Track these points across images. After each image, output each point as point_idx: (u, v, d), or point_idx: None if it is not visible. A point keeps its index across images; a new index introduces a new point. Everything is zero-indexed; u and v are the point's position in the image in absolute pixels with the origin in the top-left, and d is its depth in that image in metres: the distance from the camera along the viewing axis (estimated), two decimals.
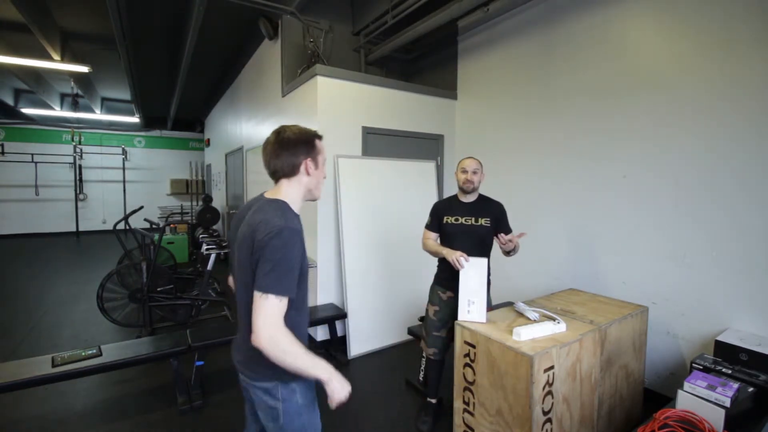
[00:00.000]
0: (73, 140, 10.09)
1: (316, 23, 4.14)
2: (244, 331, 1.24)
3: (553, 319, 1.93)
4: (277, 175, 1.29)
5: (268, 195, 1.29)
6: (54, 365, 2.30)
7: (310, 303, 3.47)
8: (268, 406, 1.26)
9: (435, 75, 4.53)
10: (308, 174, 1.29)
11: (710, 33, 2.27)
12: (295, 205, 1.29)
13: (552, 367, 1.72)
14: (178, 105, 8.15)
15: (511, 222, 3.03)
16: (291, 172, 1.27)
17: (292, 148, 1.26)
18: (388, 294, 3.57)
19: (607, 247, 2.82)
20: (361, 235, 3.45)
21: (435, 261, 4.24)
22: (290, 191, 1.28)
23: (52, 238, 9.99)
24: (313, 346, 3.53)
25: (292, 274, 1.14)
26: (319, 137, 1.38)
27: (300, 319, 1.28)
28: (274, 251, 1.11)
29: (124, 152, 10.94)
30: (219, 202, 8.16)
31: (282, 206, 1.23)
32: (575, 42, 3.00)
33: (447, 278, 2.36)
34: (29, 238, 9.84)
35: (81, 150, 10.34)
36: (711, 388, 1.70)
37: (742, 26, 2.15)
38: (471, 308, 2.00)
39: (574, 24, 3.01)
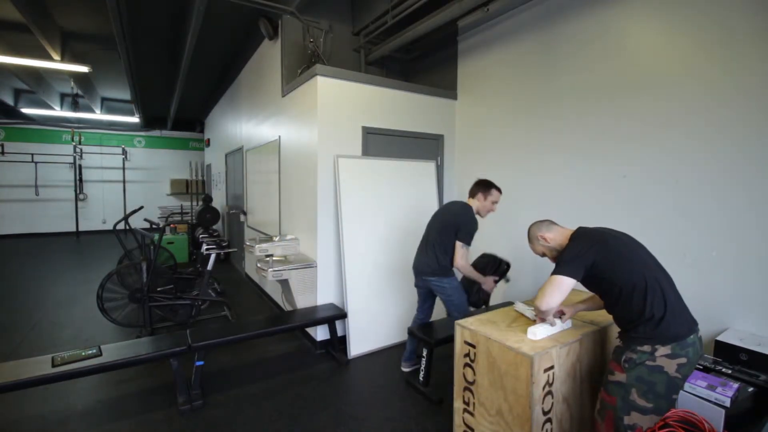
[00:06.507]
0: (73, 140, 10.09)
1: (316, 23, 4.14)
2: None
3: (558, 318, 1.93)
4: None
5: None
6: (54, 365, 2.30)
7: (310, 303, 3.47)
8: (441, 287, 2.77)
9: (435, 75, 4.53)
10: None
11: (710, 32, 2.27)
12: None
13: (552, 367, 1.72)
14: (178, 105, 8.14)
15: (512, 222, 3.04)
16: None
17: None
18: (388, 294, 3.57)
19: None
20: (361, 236, 3.45)
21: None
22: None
23: (52, 238, 9.99)
24: (313, 346, 3.53)
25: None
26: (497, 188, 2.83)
27: None
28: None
29: (124, 152, 10.94)
30: (219, 202, 8.16)
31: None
32: (575, 41, 3.00)
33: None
34: (29, 238, 9.84)
35: (81, 150, 10.34)
36: (711, 388, 1.70)
37: (742, 25, 2.15)
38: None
39: (574, 23, 3.01)
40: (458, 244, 2.66)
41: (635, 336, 1.58)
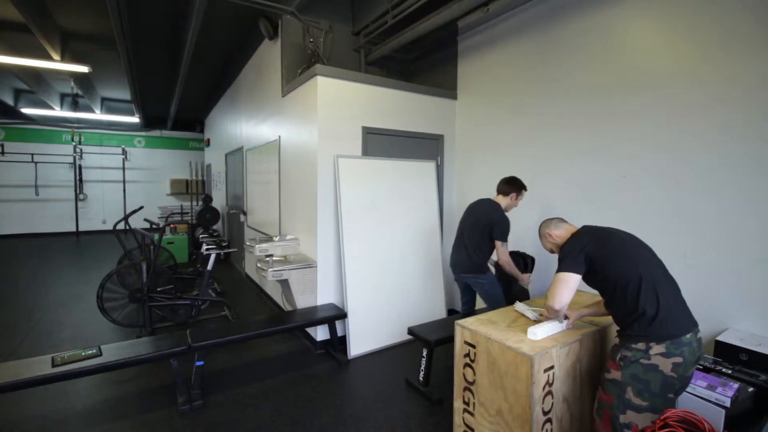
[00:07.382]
0: (73, 140, 10.09)
1: (316, 23, 4.14)
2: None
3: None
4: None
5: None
6: (54, 365, 2.30)
7: (310, 303, 3.47)
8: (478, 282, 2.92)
9: (435, 75, 4.52)
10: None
11: (710, 33, 2.27)
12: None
13: (552, 367, 1.72)
14: (178, 105, 8.14)
15: (512, 221, 3.06)
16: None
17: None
18: (388, 294, 3.57)
19: None
20: (361, 235, 3.45)
21: (435, 261, 4.22)
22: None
23: (52, 238, 9.99)
24: (313, 346, 3.53)
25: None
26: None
27: None
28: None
29: (124, 152, 10.93)
30: (219, 202, 8.16)
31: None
32: (575, 42, 3.00)
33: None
34: (29, 238, 9.84)
35: (81, 150, 10.34)
36: (711, 388, 1.70)
37: (741, 26, 2.15)
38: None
39: (574, 24, 3.00)
40: (497, 243, 2.85)
41: (630, 334, 1.60)
